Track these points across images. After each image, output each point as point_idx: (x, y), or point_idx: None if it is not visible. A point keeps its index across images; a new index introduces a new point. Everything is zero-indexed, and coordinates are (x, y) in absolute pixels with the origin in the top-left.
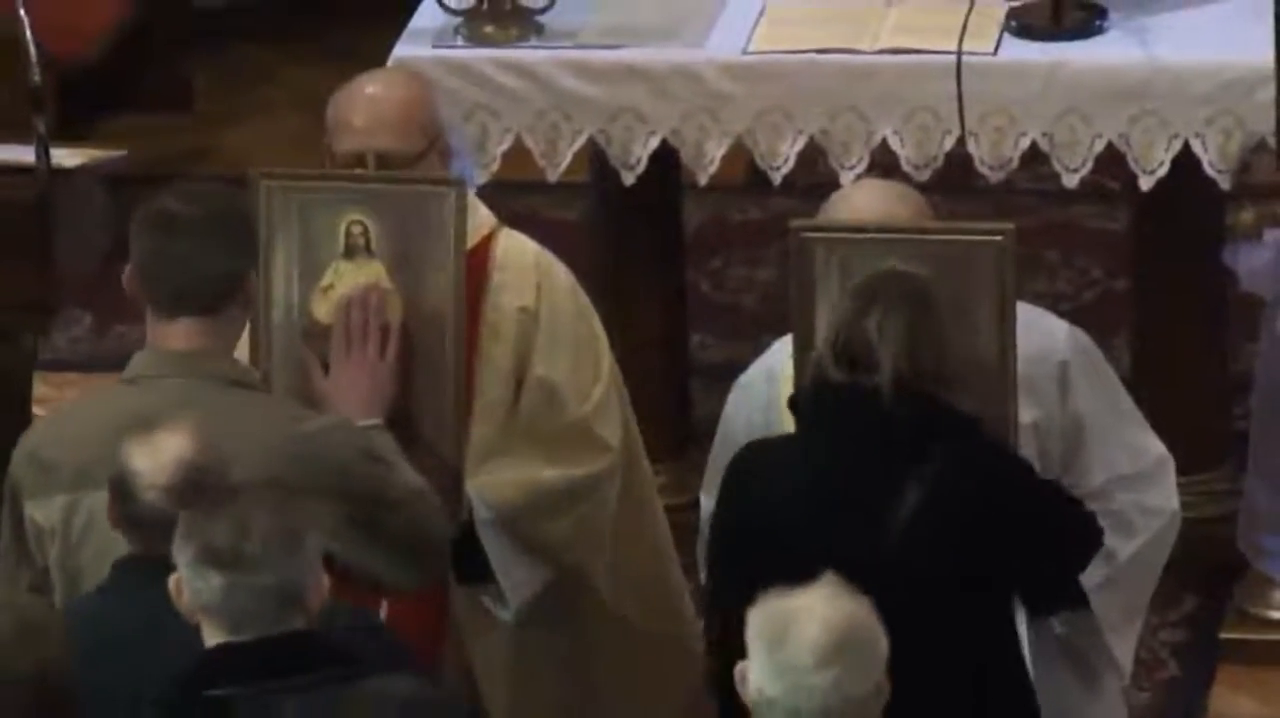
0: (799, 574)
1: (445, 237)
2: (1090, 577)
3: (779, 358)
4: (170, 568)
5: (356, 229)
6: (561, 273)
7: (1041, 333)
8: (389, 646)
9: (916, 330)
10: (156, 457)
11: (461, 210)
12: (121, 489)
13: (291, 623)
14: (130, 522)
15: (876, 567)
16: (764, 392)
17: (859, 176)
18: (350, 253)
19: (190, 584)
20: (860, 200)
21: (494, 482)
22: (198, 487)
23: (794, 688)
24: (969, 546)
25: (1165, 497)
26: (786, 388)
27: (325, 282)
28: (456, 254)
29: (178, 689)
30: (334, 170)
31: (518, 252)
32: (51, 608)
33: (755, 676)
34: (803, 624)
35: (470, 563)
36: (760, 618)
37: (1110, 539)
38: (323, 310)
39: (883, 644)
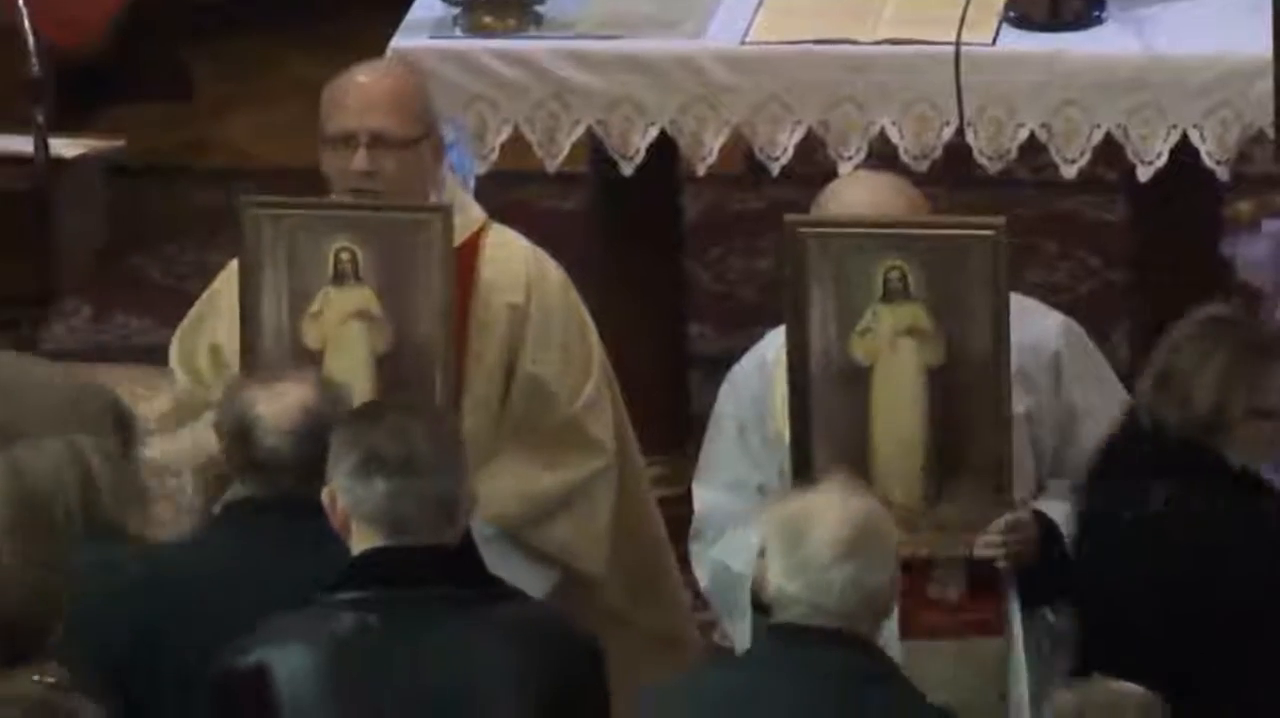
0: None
1: (432, 262)
2: None
3: (771, 349)
4: (281, 508)
5: (345, 256)
6: (552, 269)
7: (1035, 323)
8: None
9: (1172, 365)
10: (280, 402)
11: (448, 236)
12: (243, 434)
13: (445, 536)
14: (251, 466)
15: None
16: (755, 383)
17: (857, 167)
18: (339, 279)
19: (350, 493)
20: (854, 194)
21: (492, 492)
22: (318, 433)
23: (814, 584)
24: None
25: None
26: (779, 378)
27: (314, 308)
28: (444, 280)
29: (325, 590)
30: (320, 198)
31: (508, 247)
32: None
33: (775, 575)
34: (819, 522)
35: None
36: (776, 519)
37: None
38: (312, 337)
39: (895, 537)
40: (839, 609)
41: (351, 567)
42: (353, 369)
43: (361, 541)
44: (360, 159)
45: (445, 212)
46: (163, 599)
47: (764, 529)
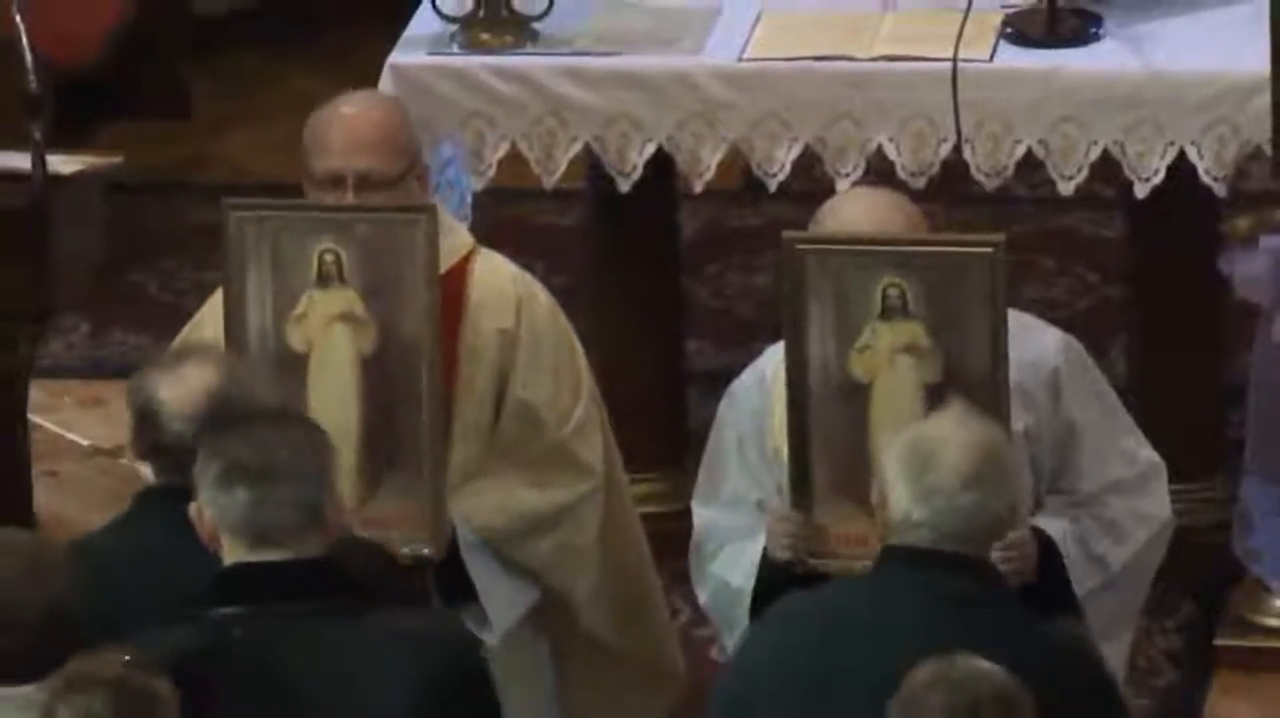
0: None
1: (417, 263)
2: (1084, 583)
3: (770, 364)
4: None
5: (329, 258)
6: (540, 294)
7: (1034, 340)
8: (399, 579)
9: None
10: (184, 386)
11: (433, 237)
12: (148, 418)
13: (312, 545)
14: (156, 451)
15: None
16: (755, 398)
17: (855, 184)
18: (324, 281)
19: (214, 504)
20: (853, 210)
21: (479, 505)
22: (224, 418)
23: (941, 511)
24: None
25: (1158, 503)
26: (778, 394)
27: (299, 310)
28: (429, 281)
29: (191, 607)
30: (303, 200)
31: (496, 273)
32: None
33: (901, 502)
34: (945, 450)
35: (454, 585)
36: (901, 447)
37: (1103, 546)
38: (297, 339)
39: (1016, 462)
40: (961, 534)
41: (218, 580)
42: (338, 371)
43: (230, 553)
44: (349, 201)
45: (430, 211)
46: (92, 589)
47: (889, 455)
